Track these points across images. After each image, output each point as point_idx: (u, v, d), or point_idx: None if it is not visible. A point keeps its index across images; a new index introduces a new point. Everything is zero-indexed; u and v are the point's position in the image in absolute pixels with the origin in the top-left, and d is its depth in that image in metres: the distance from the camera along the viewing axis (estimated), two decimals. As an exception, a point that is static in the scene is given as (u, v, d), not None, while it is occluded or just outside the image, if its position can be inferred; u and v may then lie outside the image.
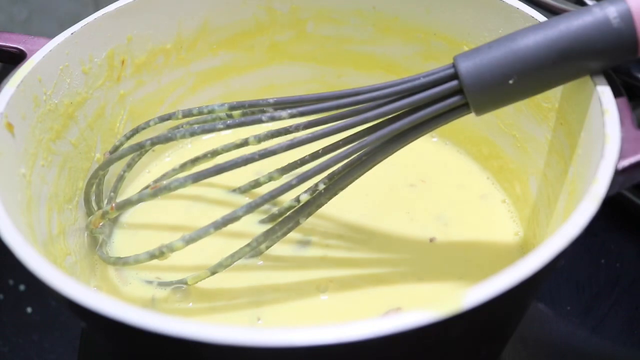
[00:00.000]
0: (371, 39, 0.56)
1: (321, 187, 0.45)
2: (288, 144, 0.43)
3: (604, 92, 0.40)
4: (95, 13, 0.49)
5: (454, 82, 0.41)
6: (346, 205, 0.51)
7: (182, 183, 0.43)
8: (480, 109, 0.41)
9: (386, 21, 0.55)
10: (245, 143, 0.45)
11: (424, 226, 0.51)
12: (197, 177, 0.43)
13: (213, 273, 0.45)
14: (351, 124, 0.42)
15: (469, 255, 0.49)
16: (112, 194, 0.53)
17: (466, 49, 0.46)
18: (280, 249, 0.49)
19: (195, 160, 0.48)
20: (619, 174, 0.37)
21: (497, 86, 0.40)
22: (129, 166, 0.53)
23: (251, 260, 0.49)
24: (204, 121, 0.47)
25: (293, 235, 0.49)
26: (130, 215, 0.53)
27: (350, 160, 0.43)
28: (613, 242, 0.58)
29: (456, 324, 0.31)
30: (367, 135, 0.43)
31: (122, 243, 0.52)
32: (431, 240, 0.50)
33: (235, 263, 0.45)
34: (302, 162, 0.45)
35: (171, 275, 0.48)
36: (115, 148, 0.50)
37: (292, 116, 0.44)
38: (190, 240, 0.42)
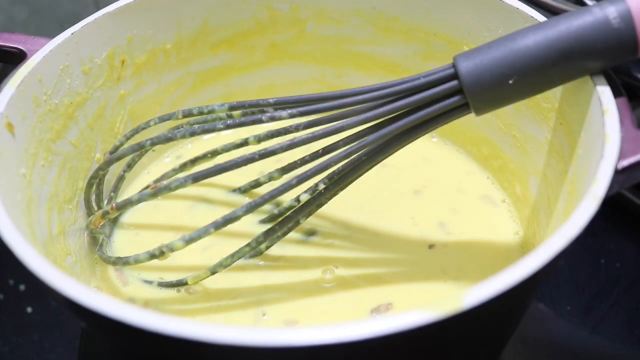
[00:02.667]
0: (371, 39, 0.56)
1: (321, 187, 0.45)
2: (288, 144, 0.43)
3: (604, 92, 0.40)
4: (95, 13, 0.49)
5: (454, 82, 0.41)
6: (344, 207, 0.51)
7: (182, 183, 0.43)
8: (480, 109, 0.41)
9: (386, 21, 0.55)
10: (245, 143, 0.45)
11: (425, 226, 0.51)
12: (197, 177, 0.43)
13: (213, 273, 0.45)
14: (351, 124, 0.42)
15: (469, 255, 0.49)
16: (112, 194, 0.53)
17: (466, 49, 0.46)
18: (282, 246, 0.49)
19: (195, 160, 0.48)
20: (618, 173, 0.37)
21: (497, 86, 0.40)
22: (129, 166, 0.53)
23: (252, 260, 0.49)
24: (204, 121, 0.47)
25: (294, 234, 0.49)
26: (130, 215, 0.53)
27: (350, 160, 0.43)
28: (613, 242, 0.58)
29: (456, 324, 0.31)
30: (367, 135, 0.42)
31: (122, 243, 0.52)
32: (430, 245, 0.50)
33: (235, 263, 0.45)
34: (302, 162, 0.45)
35: (171, 275, 0.48)
36: (115, 148, 0.50)
37: (292, 116, 0.44)
38: (190, 240, 0.42)
